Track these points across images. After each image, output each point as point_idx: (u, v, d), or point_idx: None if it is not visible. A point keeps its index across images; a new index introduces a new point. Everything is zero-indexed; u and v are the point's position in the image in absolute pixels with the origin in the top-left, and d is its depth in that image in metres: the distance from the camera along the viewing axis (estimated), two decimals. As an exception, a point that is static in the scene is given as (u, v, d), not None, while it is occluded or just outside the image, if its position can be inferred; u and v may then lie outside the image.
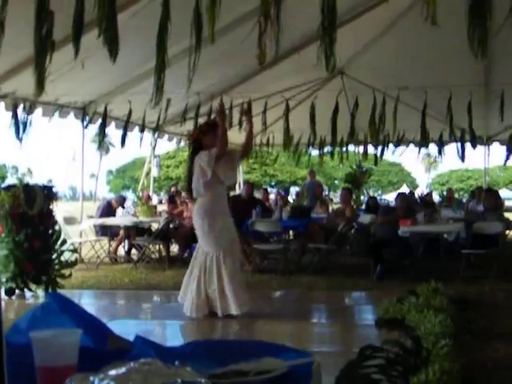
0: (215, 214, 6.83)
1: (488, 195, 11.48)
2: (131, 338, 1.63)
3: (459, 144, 12.72)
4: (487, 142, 15.86)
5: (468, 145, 12.69)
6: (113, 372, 1.14)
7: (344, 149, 13.93)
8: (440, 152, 13.41)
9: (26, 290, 8.29)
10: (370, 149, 13.77)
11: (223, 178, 6.83)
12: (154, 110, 10.61)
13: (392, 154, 14.06)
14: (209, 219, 6.79)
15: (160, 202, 30.00)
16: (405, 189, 37.41)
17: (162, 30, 5.10)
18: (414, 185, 64.39)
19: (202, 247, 6.89)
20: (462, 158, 13.02)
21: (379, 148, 13.26)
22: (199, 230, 6.90)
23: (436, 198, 19.00)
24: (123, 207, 13.09)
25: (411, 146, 14.33)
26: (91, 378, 1.13)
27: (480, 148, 16.03)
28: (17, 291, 8.20)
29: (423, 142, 12.22)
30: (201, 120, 11.26)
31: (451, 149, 13.43)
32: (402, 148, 13.90)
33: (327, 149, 14.52)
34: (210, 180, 6.69)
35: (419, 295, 6.68)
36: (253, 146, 9.06)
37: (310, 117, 11.81)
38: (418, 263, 9.58)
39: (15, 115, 9.51)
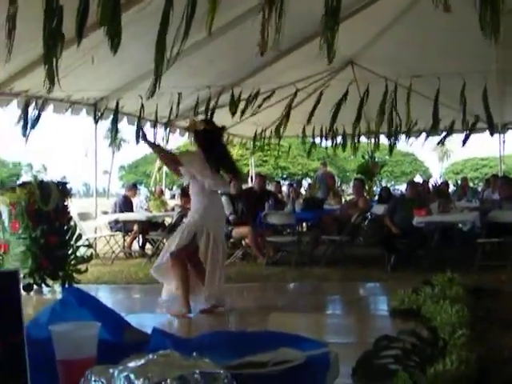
0: None
1: (503, 183, 11.38)
2: (148, 331, 1.64)
3: (467, 131, 12.62)
4: (502, 129, 15.75)
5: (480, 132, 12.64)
6: (132, 364, 1.15)
7: (356, 140, 13.88)
8: (443, 139, 13.24)
9: (43, 285, 8.36)
10: (383, 139, 13.75)
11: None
12: (165, 105, 10.64)
13: (406, 144, 13.96)
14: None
15: (172, 196, 30.03)
16: (418, 178, 37.27)
17: (164, 22, 5.09)
18: (427, 174, 64.12)
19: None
20: (464, 142, 12.90)
21: (391, 138, 13.20)
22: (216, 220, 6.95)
23: (450, 187, 18.88)
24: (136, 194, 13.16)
25: (423, 135, 14.24)
26: (111, 370, 1.14)
27: (495, 135, 15.93)
28: (34, 287, 8.27)
29: (434, 131, 12.11)
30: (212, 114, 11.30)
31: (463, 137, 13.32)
32: (413, 138, 13.81)
33: (339, 140, 14.46)
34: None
35: (435, 285, 6.66)
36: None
37: (313, 107, 11.78)
38: (432, 253, 9.55)
39: (25, 112, 9.57)
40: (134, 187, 13.95)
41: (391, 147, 13.67)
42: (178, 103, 10.59)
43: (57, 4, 4.70)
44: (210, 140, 6.78)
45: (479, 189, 18.69)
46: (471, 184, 24.94)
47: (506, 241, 9.37)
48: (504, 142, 16.24)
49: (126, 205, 12.80)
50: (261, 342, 1.53)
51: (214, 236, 6.70)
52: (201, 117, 11.29)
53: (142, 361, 1.16)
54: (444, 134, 12.86)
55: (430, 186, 16.34)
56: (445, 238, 10.36)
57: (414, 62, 11.02)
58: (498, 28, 4.64)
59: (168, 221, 12.51)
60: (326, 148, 14.67)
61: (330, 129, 12.91)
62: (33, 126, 9.60)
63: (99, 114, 11.15)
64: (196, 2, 4.84)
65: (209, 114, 11.18)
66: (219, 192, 7.32)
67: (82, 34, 4.99)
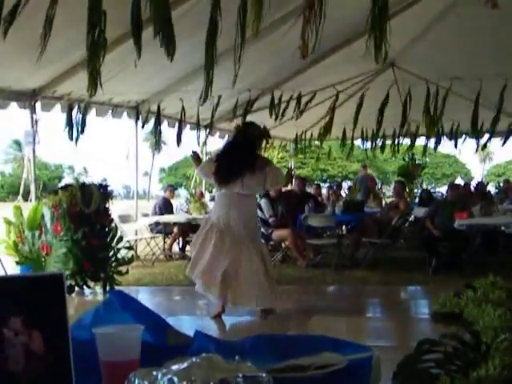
0: None
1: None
2: (188, 333, 1.65)
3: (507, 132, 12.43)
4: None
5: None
6: (175, 367, 1.16)
7: (396, 141, 13.77)
8: (486, 143, 13.04)
9: (84, 287, 8.46)
10: (422, 141, 13.63)
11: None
12: (204, 108, 10.69)
13: (454, 146, 13.77)
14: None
15: (212, 198, 30.13)
16: (459, 181, 36.77)
17: (212, 27, 5.12)
18: (469, 177, 63.24)
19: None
20: (504, 142, 12.71)
21: (433, 140, 13.08)
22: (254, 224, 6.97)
23: (492, 189, 18.58)
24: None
25: (465, 137, 14.04)
26: (154, 373, 1.15)
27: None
28: (76, 288, 8.37)
29: (475, 133, 11.93)
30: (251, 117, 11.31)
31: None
32: (457, 140, 13.62)
33: (379, 142, 14.33)
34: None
35: (477, 289, 6.57)
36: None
37: (357, 109, 11.71)
38: (475, 256, 9.42)
39: (70, 116, 9.71)
40: (171, 188, 14.04)
41: (425, 149, 13.60)
42: (217, 105, 10.61)
43: (100, 10, 4.76)
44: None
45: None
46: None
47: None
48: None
49: (166, 207, 12.89)
50: (303, 346, 1.53)
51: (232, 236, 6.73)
52: (239, 119, 11.34)
53: (185, 364, 1.17)
54: (486, 136, 12.65)
55: (472, 188, 16.10)
56: (487, 241, 10.21)
57: (455, 63, 10.89)
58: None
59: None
60: (366, 150, 14.55)
61: (376, 132, 12.77)
62: (82, 131, 9.73)
63: (144, 118, 11.25)
64: (246, 10, 4.88)
65: (246, 117, 11.21)
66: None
67: (141, 45, 5.04)
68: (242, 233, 6.68)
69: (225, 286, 6.60)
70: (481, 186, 16.13)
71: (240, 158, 6.69)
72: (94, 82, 5.24)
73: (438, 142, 13.06)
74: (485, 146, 13.17)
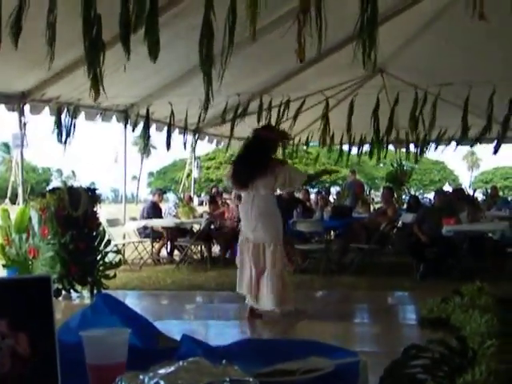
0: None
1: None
2: (177, 337, 1.65)
3: (497, 140, 12.47)
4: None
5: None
6: (162, 371, 1.16)
7: (384, 147, 13.80)
8: (473, 144, 13.08)
9: (71, 290, 8.43)
10: (411, 147, 13.65)
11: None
12: (193, 112, 10.68)
13: (434, 151, 13.82)
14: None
15: (201, 203, 30.07)
16: (447, 187, 36.91)
17: (207, 32, 5.12)
18: (456, 183, 63.51)
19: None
20: (495, 150, 12.75)
21: (419, 146, 13.12)
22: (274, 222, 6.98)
23: (480, 196, 18.65)
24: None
25: (453, 143, 14.10)
26: (141, 377, 1.15)
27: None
28: (63, 292, 8.33)
29: (464, 139, 11.99)
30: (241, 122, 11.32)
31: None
32: (443, 146, 13.68)
33: (366, 148, 14.36)
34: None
35: (464, 295, 6.59)
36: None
37: (348, 115, 11.73)
38: (462, 262, 9.45)
39: (59, 119, 9.68)
40: (159, 191, 13.99)
41: (417, 155, 13.63)
42: (206, 109, 10.56)
43: (95, 13, 4.76)
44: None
45: (509, 198, 18.45)
46: (501, 193, 24.63)
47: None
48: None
49: (154, 211, 12.85)
50: (290, 350, 1.53)
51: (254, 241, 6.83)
52: (228, 125, 11.35)
53: (172, 368, 1.17)
54: (474, 141, 12.71)
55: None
56: (474, 248, 10.25)
57: (443, 69, 10.94)
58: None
59: (196, 227, 12.55)
60: (349, 155, 14.58)
61: (376, 137, 12.75)
62: (68, 134, 9.69)
63: (134, 122, 11.22)
64: (236, 15, 4.88)
65: (237, 122, 11.21)
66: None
67: (129, 45, 5.03)
68: (261, 232, 6.81)
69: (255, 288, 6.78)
70: (461, 192, 16.13)
71: (252, 161, 6.82)
72: (96, 86, 5.22)
73: (422, 147, 13.07)
74: (472, 146, 13.26)
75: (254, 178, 6.75)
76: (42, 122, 10.78)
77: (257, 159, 6.80)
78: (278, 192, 7.04)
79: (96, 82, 5.11)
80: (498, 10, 4.98)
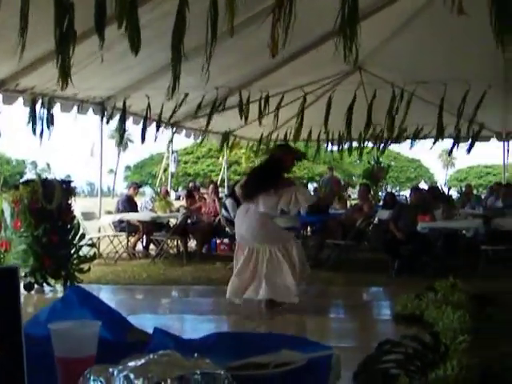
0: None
1: (507, 191, 11.39)
2: (150, 331, 1.63)
3: (471, 139, 12.56)
4: (506, 137, 15.74)
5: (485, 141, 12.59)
6: (132, 363, 1.14)
7: (362, 144, 13.85)
8: (452, 148, 13.16)
9: (44, 284, 8.35)
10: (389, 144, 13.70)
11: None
12: (171, 106, 10.61)
13: (410, 149, 13.92)
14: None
15: (178, 197, 29.96)
16: (423, 185, 37.20)
17: (179, 22, 5.08)
18: (432, 181, 64.04)
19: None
20: (469, 150, 12.85)
21: (390, 141, 13.18)
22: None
23: (454, 194, 18.82)
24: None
25: (428, 140, 14.18)
26: (110, 370, 1.13)
27: (499, 144, 15.94)
28: (35, 286, 8.25)
29: (439, 136, 12.05)
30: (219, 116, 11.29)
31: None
32: (419, 144, 13.76)
33: (345, 145, 14.40)
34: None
35: (438, 291, 6.66)
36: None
37: (326, 111, 11.75)
38: (436, 259, 9.53)
39: (33, 111, 9.55)
40: (135, 185, 13.91)
41: (383, 152, 13.74)
42: (181, 103, 10.50)
43: (67, 1, 4.70)
44: None
45: (483, 196, 18.62)
46: (475, 191, 24.86)
47: (509, 248, 9.36)
48: (508, 150, 16.20)
49: (129, 204, 12.78)
50: (263, 344, 1.52)
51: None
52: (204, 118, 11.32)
53: (143, 360, 1.15)
54: (451, 142, 12.79)
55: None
56: (448, 245, 10.35)
57: (421, 68, 10.99)
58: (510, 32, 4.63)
59: (173, 222, 12.51)
60: (332, 152, 14.63)
61: (347, 134, 12.79)
62: (48, 126, 9.56)
63: (109, 114, 11.12)
64: (217, 7, 4.86)
65: (212, 116, 11.19)
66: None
67: (104, 34, 4.98)
68: (255, 237, 7.09)
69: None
70: (436, 190, 16.27)
71: (261, 178, 7.08)
72: (65, 75, 5.15)
73: (385, 144, 13.15)
74: (451, 152, 13.34)
75: (259, 193, 6.98)
76: (16, 113, 10.65)
77: (266, 177, 7.04)
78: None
79: (64, 71, 5.04)
80: (475, 5, 5.00)
